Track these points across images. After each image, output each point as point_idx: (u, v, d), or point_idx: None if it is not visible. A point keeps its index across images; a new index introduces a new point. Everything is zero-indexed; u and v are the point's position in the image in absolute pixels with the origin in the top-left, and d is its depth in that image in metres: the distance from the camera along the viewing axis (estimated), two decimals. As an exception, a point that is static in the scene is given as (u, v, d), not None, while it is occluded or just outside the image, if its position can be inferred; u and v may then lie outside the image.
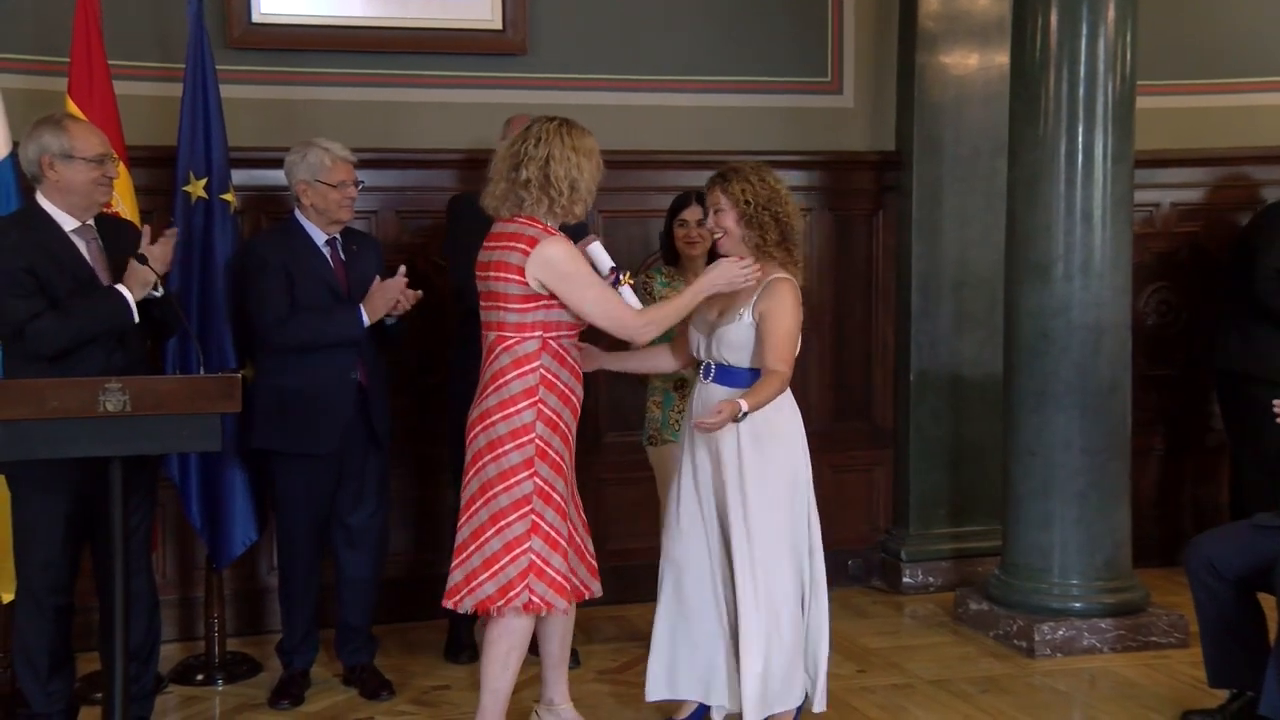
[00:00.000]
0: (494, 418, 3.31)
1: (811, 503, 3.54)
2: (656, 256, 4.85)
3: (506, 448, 3.30)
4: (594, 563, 3.54)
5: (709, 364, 3.52)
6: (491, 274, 3.33)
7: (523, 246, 3.28)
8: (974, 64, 5.07)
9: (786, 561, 3.47)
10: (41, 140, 3.32)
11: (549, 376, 3.32)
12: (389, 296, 3.83)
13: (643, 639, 4.39)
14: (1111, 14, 4.31)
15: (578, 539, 3.49)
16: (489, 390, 3.34)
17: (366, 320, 3.83)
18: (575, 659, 4.27)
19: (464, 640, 4.31)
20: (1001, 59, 4.88)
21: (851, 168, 5.17)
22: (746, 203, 3.42)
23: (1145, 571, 4.70)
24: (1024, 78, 4.45)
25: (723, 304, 3.52)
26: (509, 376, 3.31)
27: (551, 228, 3.32)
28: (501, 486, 3.30)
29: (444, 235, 4.42)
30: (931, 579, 5.10)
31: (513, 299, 3.30)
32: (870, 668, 4.30)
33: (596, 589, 3.51)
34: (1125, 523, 4.48)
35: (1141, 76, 4.47)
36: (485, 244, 3.39)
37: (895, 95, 5.16)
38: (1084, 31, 4.30)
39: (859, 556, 5.24)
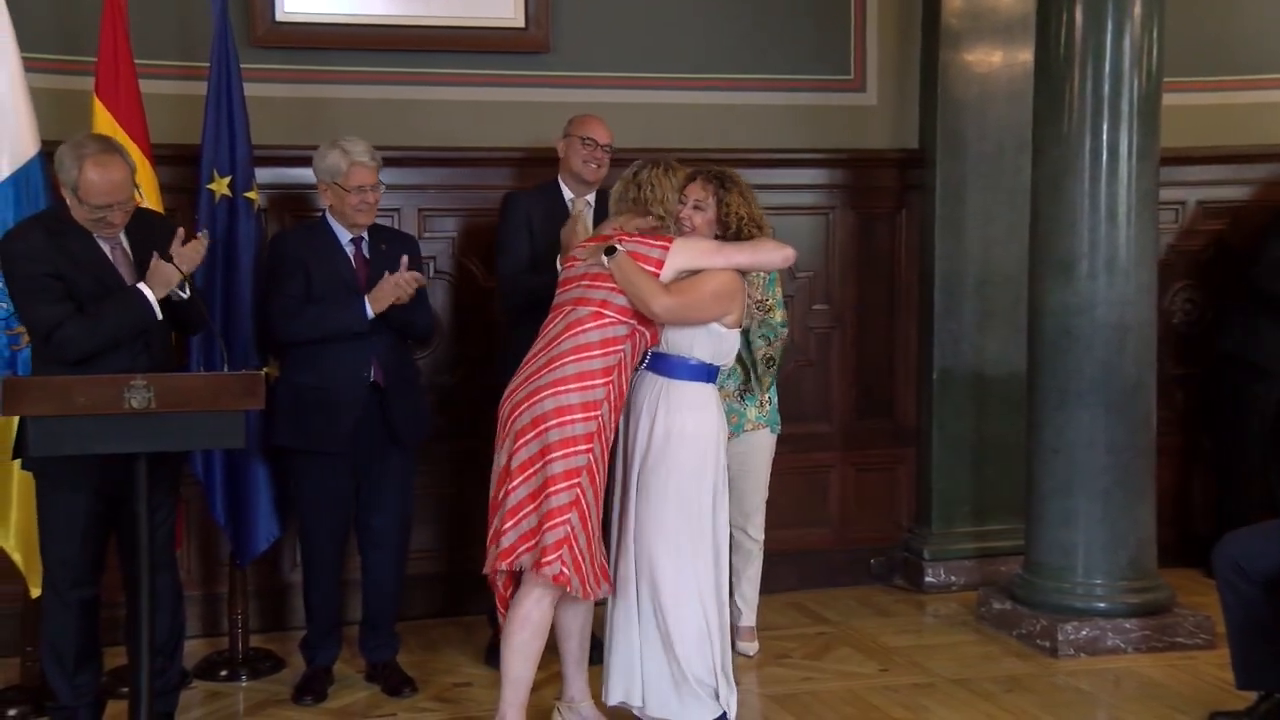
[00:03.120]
0: (570, 386, 3.38)
1: (710, 509, 3.47)
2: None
3: (575, 416, 3.36)
4: (605, 563, 3.52)
5: (648, 350, 3.53)
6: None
7: (664, 244, 3.47)
8: (998, 61, 5.05)
9: (674, 560, 3.42)
10: (63, 161, 3.32)
11: (624, 364, 3.44)
12: (398, 286, 3.81)
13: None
14: (1138, 10, 4.28)
15: (599, 529, 3.50)
16: (566, 360, 3.40)
17: (370, 311, 3.83)
18: (602, 654, 4.27)
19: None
20: (1025, 56, 4.86)
21: (874, 166, 5.15)
22: (736, 215, 3.49)
23: (1171, 572, 4.67)
24: (1048, 74, 4.42)
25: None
26: (594, 353, 3.40)
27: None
28: (560, 453, 3.35)
29: (470, 233, 4.45)
30: (954, 578, 5.08)
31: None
32: (892, 666, 4.29)
33: (604, 590, 3.50)
34: (1150, 522, 4.45)
35: (1168, 73, 4.43)
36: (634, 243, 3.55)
37: (918, 93, 5.14)
38: (1109, 28, 4.28)
39: (881, 555, 5.23)
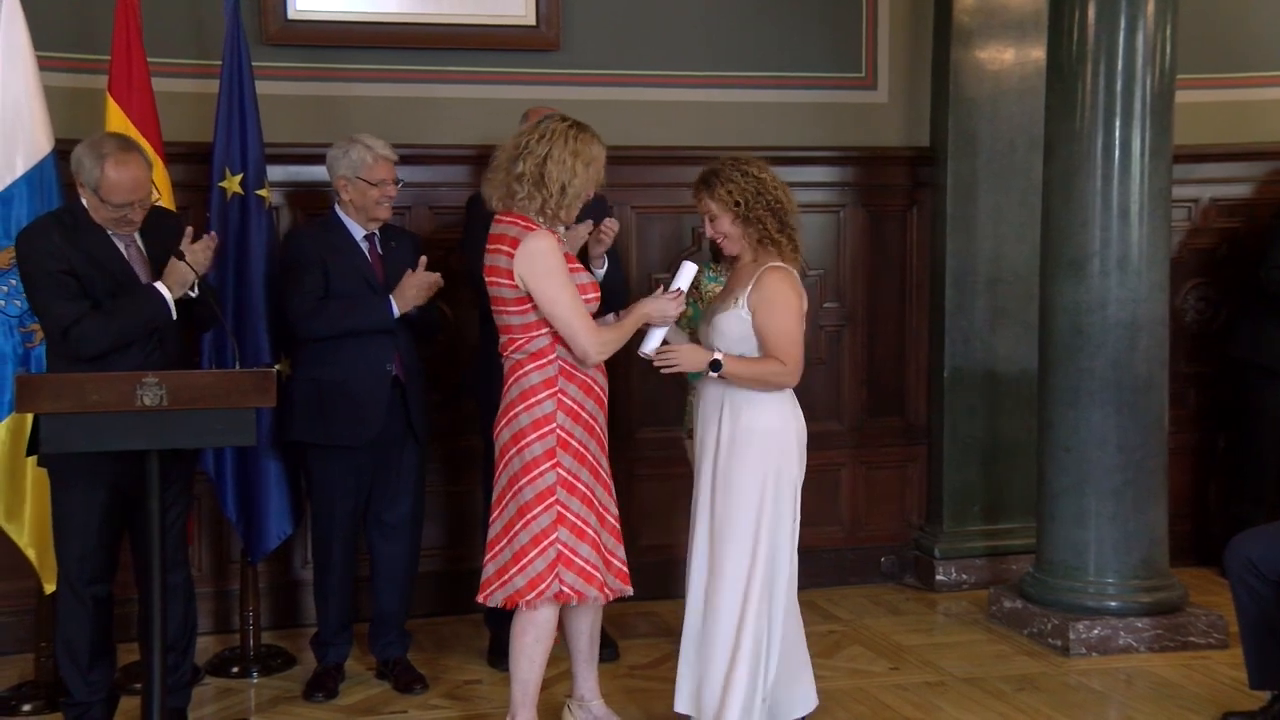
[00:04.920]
0: (517, 409, 3.33)
1: (788, 514, 3.40)
2: (690, 251, 4.86)
3: (529, 439, 3.31)
4: (624, 568, 3.49)
5: None
6: (488, 278, 3.37)
7: (506, 249, 3.31)
8: (1009, 59, 5.04)
9: (742, 568, 3.35)
10: (82, 161, 3.34)
11: (567, 366, 3.34)
12: (422, 285, 3.85)
13: (676, 635, 4.38)
14: (1151, 7, 4.27)
15: (612, 526, 3.47)
16: (510, 383, 3.37)
17: (396, 310, 3.85)
18: (614, 651, 4.28)
19: (506, 645, 4.30)
20: (1037, 54, 4.84)
21: (885, 163, 5.15)
22: (737, 203, 3.35)
23: (1184, 571, 4.65)
24: (1060, 72, 4.41)
25: (723, 293, 3.50)
26: (528, 369, 3.33)
27: (536, 223, 3.30)
28: (526, 479, 3.32)
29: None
30: (965, 576, 5.08)
31: (509, 302, 3.33)
32: (903, 665, 4.28)
33: (622, 589, 3.48)
34: (1162, 521, 4.44)
35: (1181, 70, 4.42)
36: (486, 246, 3.39)
37: (930, 90, 5.13)
38: (1122, 25, 4.26)
39: (892, 554, 5.22)
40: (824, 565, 5.11)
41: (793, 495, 3.43)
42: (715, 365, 3.33)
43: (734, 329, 3.40)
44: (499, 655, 4.18)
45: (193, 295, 3.40)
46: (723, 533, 3.39)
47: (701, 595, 3.46)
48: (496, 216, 3.37)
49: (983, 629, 4.63)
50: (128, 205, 3.33)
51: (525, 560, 3.32)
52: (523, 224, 3.30)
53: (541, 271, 3.25)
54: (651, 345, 3.41)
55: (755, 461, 3.36)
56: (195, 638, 3.68)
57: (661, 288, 3.44)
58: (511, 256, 3.27)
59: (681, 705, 3.52)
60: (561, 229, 3.48)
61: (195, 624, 3.66)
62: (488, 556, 3.40)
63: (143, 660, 3.41)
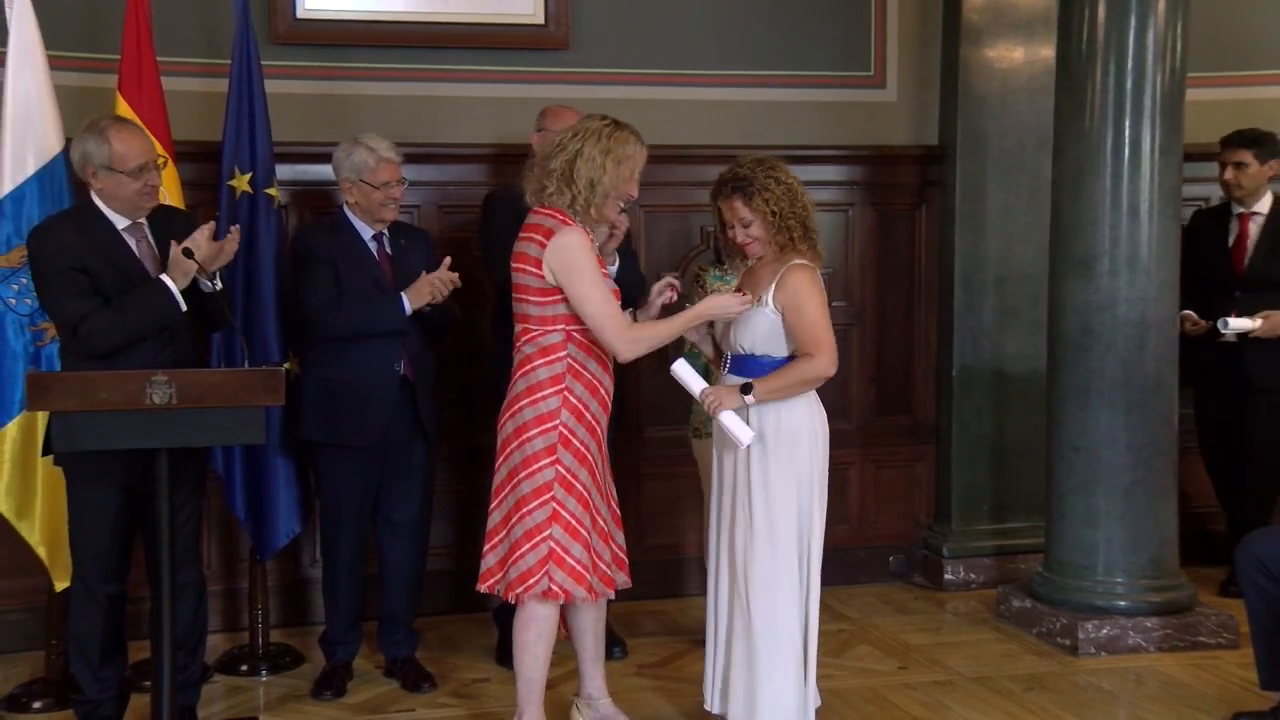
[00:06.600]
0: (521, 403, 3.34)
1: (815, 513, 3.40)
2: (698, 250, 4.86)
3: (532, 433, 3.32)
4: (623, 555, 3.51)
5: (728, 354, 3.48)
6: (515, 265, 3.37)
7: (539, 238, 3.31)
8: (1019, 57, 5.03)
9: (781, 568, 3.36)
10: (85, 147, 3.36)
11: (575, 365, 3.34)
12: (435, 285, 3.86)
13: (683, 634, 4.42)
14: (1161, 5, 4.25)
15: (602, 529, 3.45)
16: (517, 377, 3.37)
17: (408, 308, 3.86)
18: (623, 650, 4.28)
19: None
20: (1047, 52, 4.84)
21: (894, 162, 5.14)
22: (773, 212, 3.36)
23: (1192, 571, 4.64)
24: (1070, 70, 4.40)
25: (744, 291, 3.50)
26: (536, 364, 3.34)
27: (571, 219, 3.31)
28: (525, 473, 3.32)
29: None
30: (973, 575, 5.07)
31: (532, 291, 3.33)
32: (912, 664, 4.28)
33: (622, 580, 3.49)
34: (1172, 520, 4.43)
35: (1191, 68, 4.40)
36: (519, 235, 3.41)
37: (939, 89, 5.13)
38: (1132, 23, 4.25)
39: (900, 553, 5.22)
40: (832, 564, 5.00)
41: (821, 494, 3.43)
42: (746, 389, 3.32)
43: (763, 326, 3.38)
44: (507, 653, 4.18)
45: (218, 288, 3.41)
46: (760, 534, 3.37)
47: (727, 596, 3.45)
48: (533, 209, 3.39)
49: (991, 628, 4.63)
50: (144, 169, 3.35)
51: (518, 554, 3.33)
52: (560, 218, 3.32)
53: (572, 266, 3.27)
54: (698, 387, 3.43)
55: (790, 462, 3.36)
56: (205, 635, 3.69)
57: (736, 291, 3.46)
58: (543, 247, 3.29)
59: (714, 705, 3.52)
60: (603, 229, 3.49)
61: (206, 621, 3.67)
62: (487, 547, 3.41)
63: (153, 658, 3.41)
